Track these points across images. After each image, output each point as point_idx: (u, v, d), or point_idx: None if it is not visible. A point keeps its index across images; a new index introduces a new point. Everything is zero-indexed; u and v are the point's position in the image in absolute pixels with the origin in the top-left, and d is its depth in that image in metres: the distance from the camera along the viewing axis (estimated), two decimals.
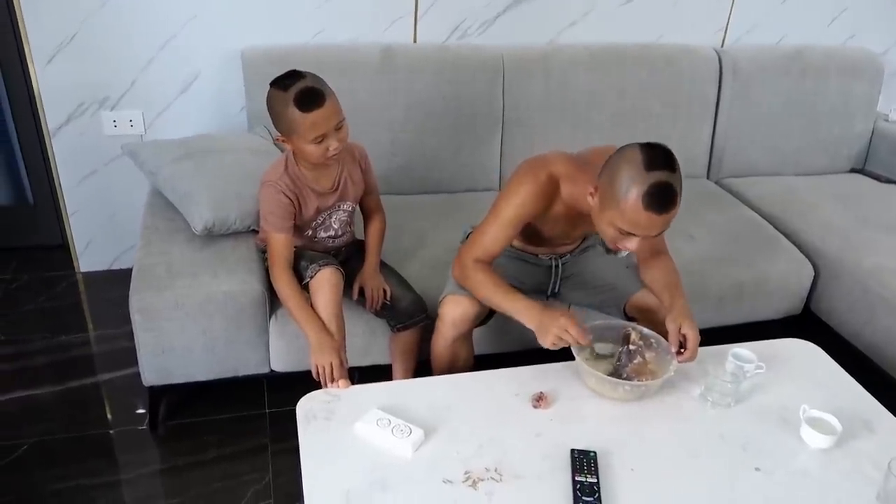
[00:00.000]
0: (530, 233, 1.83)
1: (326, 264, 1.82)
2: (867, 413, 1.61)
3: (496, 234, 1.71)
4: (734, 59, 2.81)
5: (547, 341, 1.57)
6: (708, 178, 2.93)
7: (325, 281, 1.79)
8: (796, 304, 2.41)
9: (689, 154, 2.84)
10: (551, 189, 1.67)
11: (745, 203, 2.72)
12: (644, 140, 1.52)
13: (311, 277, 1.80)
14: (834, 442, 1.49)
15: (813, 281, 2.39)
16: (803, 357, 1.81)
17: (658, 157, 1.47)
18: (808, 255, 2.40)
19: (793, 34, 2.98)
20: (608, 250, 1.72)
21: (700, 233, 2.44)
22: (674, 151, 1.50)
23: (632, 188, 1.46)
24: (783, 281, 2.36)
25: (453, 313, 1.79)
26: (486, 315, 1.87)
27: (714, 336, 1.89)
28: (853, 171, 3.09)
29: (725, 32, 2.91)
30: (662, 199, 1.45)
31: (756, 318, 2.37)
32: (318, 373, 1.70)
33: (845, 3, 2.98)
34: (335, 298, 1.80)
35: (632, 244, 1.56)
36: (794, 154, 2.99)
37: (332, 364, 1.69)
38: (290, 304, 1.78)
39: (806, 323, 2.42)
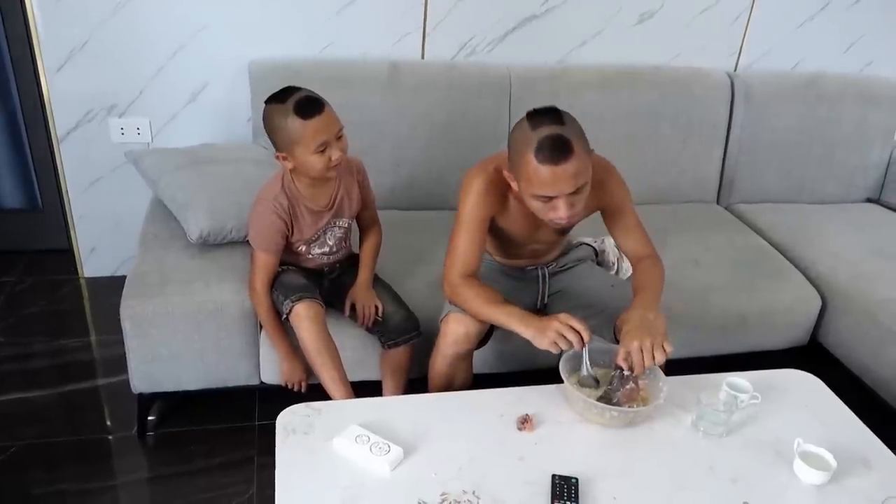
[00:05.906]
0: (504, 240, 1.82)
1: (300, 298, 1.80)
2: (865, 449, 1.55)
3: (466, 240, 1.70)
4: (747, 84, 2.77)
5: (545, 341, 1.53)
6: (718, 202, 2.88)
7: (303, 317, 1.79)
8: (802, 335, 2.35)
9: (698, 178, 2.80)
10: (501, 180, 1.67)
11: (755, 230, 2.67)
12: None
13: (289, 313, 1.80)
14: (828, 478, 1.43)
15: (820, 311, 2.33)
16: (802, 388, 1.75)
17: (542, 115, 1.50)
18: (815, 285, 2.34)
19: (808, 60, 2.94)
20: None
21: (706, 258, 2.39)
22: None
23: (525, 151, 1.48)
24: (789, 311, 2.30)
25: (456, 331, 1.76)
26: (486, 336, 1.84)
27: (715, 364, 1.85)
28: (868, 200, 3.03)
29: (739, 56, 2.88)
30: (554, 149, 1.47)
31: (760, 348, 2.31)
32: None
33: (861, 30, 2.93)
34: (318, 330, 1.81)
35: (560, 210, 1.54)
36: (807, 182, 2.94)
37: (300, 382, 1.91)
38: (264, 323, 1.88)
39: (812, 354, 2.36)
